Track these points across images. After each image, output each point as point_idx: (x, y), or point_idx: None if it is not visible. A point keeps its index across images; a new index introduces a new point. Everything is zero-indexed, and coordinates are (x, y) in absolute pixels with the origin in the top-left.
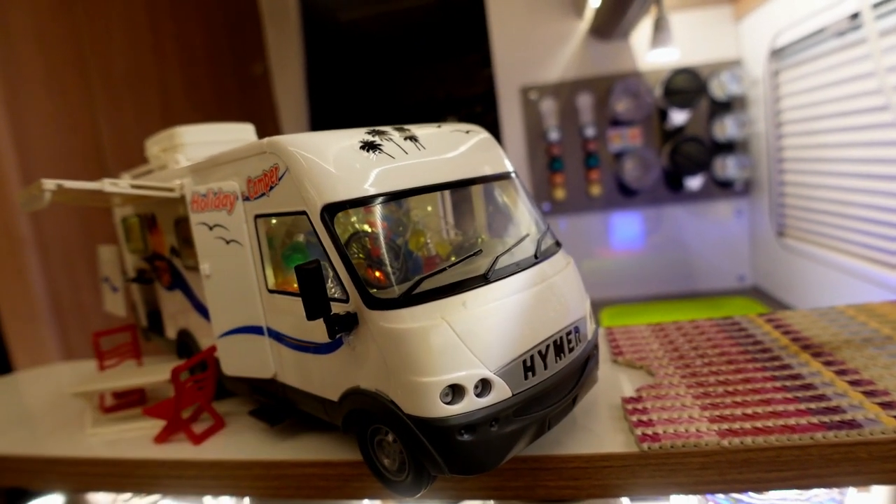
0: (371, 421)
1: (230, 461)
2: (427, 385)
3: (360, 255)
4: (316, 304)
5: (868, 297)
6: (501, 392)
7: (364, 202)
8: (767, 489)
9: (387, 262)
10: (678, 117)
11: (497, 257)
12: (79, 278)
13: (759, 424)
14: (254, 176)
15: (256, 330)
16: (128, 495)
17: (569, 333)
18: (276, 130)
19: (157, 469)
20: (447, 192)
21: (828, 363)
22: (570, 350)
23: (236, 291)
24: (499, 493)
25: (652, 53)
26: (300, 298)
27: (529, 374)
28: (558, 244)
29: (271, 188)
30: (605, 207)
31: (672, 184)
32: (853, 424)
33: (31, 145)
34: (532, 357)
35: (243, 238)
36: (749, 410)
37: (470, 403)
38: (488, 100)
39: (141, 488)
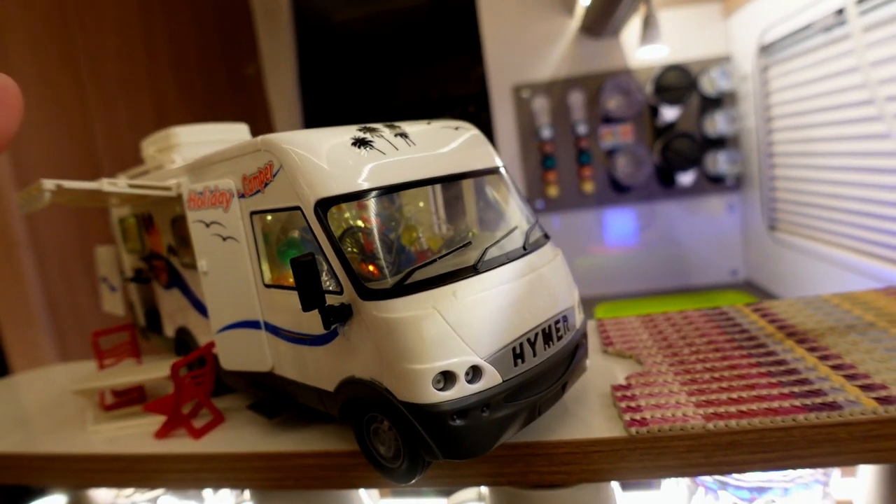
0: (366, 409)
1: (230, 454)
2: (419, 372)
3: (354, 250)
4: (311, 295)
5: (858, 287)
6: (492, 378)
7: (356, 196)
8: (752, 470)
9: (381, 255)
10: (669, 114)
11: (486, 248)
12: (75, 281)
13: (743, 408)
14: (249, 173)
15: (253, 324)
16: (129, 491)
17: (557, 322)
18: (269, 131)
19: (158, 463)
20: (438, 188)
21: (811, 349)
22: (559, 338)
23: (233, 287)
24: (492, 480)
25: (641, 50)
26: (296, 292)
27: (519, 361)
28: (546, 237)
29: (266, 185)
30: (598, 204)
31: (664, 180)
32: (834, 406)
33: (25, 148)
34: (521, 345)
35: (239, 234)
36: (734, 395)
37: (461, 389)
38: (482, 99)
39: (142, 483)
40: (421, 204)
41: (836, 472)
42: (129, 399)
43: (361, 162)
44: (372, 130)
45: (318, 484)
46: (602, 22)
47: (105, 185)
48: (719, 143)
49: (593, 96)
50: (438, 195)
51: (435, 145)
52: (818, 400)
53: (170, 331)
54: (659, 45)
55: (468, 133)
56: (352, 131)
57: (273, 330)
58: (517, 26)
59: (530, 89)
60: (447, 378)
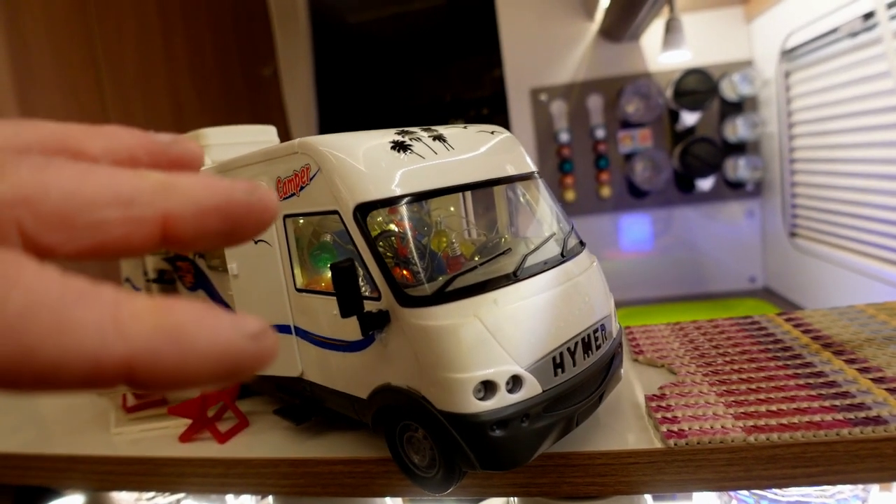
0: (401, 417)
1: (257, 459)
2: (460, 381)
3: (389, 255)
4: (350, 301)
5: (882, 296)
6: (532, 388)
7: (395, 201)
8: (793, 485)
9: (416, 261)
10: (689, 118)
11: (526, 255)
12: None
13: (784, 421)
14: (284, 176)
15: (284, 329)
16: (150, 494)
17: (596, 331)
18: (285, 132)
19: (182, 467)
20: (468, 193)
21: (850, 361)
22: (598, 347)
23: (264, 291)
24: (524, 490)
25: (664, 55)
26: (329, 297)
27: (559, 370)
28: (582, 243)
29: (302, 188)
30: (616, 209)
31: (682, 185)
32: (879, 421)
33: None
34: (561, 354)
35: (272, 238)
36: (773, 407)
37: (502, 399)
38: (496, 102)
39: (166, 487)
40: (451, 208)
41: (874, 488)
42: (151, 401)
43: (401, 166)
44: (410, 134)
45: (345, 491)
46: (622, 26)
47: None
48: (740, 148)
49: (612, 100)
50: (469, 200)
51: (472, 149)
52: (861, 414)
53: None
54: (682, 50)
55: (502, 136)
56: (390, 134)
57: (304, 335)
58: (536, 29)
59: (548, 93)
60: (487, 388)
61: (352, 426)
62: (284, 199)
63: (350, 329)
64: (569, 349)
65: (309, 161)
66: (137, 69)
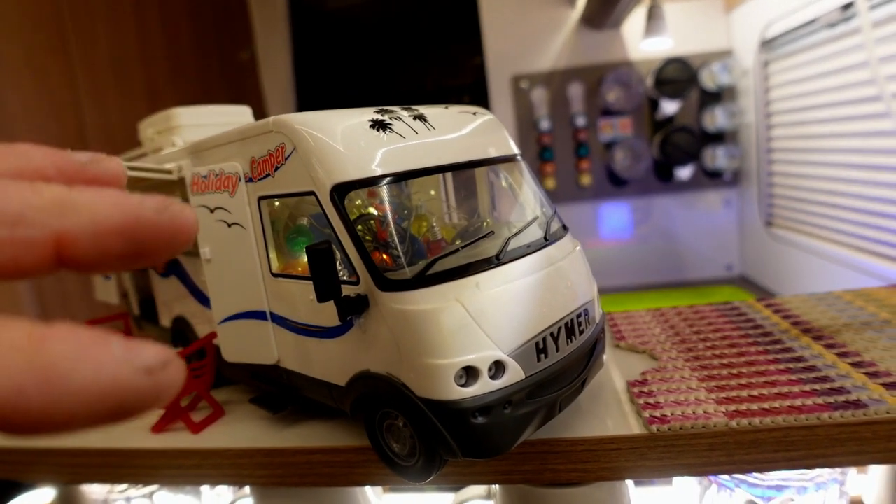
0: (380, 405)
1: (232, 449)
2: (441, 367)
3: (368, 238)
4: (327, 285)
5: (855, 284)
6: (515, 374)
7: (375, 181)
8: (774, 469)
9: (396, 244)
10: (669, 107)
11: (508, 238)
12: None
13: (765, 405)
14: (258, 156)
15: (259, 315)
16: (123, 486)
17: (579, 316)
18: (262, 117)
19: (156, 459)
20: (449, 175)
21: (829, 346)
22: (581, 333)
23: (238, 276)
24: (506, 478)
25: (645, 42)
26: (306, 282)
27: (542, 356)
28: (565, 228)
29: (277, 168)
30: (596, 197)
31: (662, 174)
32: (858, 405)
33: (14, 132)
34: (544, 339)
35: (246, 221)
36: (755, 392)
37: (484, 386)
38: (477, 90)
39: (139, 479)
40: (432, 192)
41: (852, 471)
42: None
43: (380, 145)
44: (389, 112)
45: (323, 481)
46: (603, 13)
47: None
48: (718, 137)
49: (593, 88)
50: (450, 183)
51: (454, 130)
52: (841, 398)
53: (166, 320)
54: (664, 38)
55: (485, 118)
56: (368, 113)
57: (280, 321)
58: (517, 16)
59: (529, 80)
60: (469, 374)
61: (330, 415)
62: (259, 179)
63: (328, 315)
64: (552, 334)
65: (284, 140)
66: (110, 52)
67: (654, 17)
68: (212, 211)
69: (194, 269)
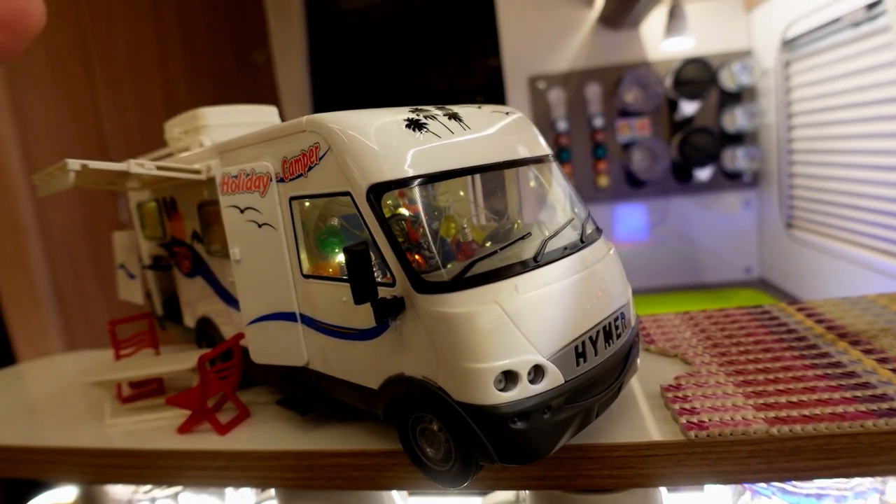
0: (414, 409)
1: (260, 451)
2: (480, 371)
3: (401, 239)
4: (364, 287)
5: (879, 287)
6: (554, 379)
7: (412, 182)
8: (815, 477)
9: (430, 245)
10: (688, 108)
11: (546, 240)
12: (81, 268)
13: (806, 412)
14: (290, 156)
15: (289, 316)
16: (147, 487)
17: (616, 319)
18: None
19: (182, 460)
20: (478, 176)
21: (867, 351)
22: (618, 336)
23: (268, 277)
24: (540, 483)
25: (666, 42)
26: (339, 283)
27: (581, 360)
28: (599, 230)
29: (310, 168)
30: (613, 198)
31: (680, 175)
32: None
33: (33, 132)
34: (583, 343)
35: (277, 221)
36: (794, 398)
37: (523, 390)
38: (490, 90)
39: (164, 480)
40: (461, 193)
41: (893, 479)
42: (147, 391)
43: (416, 145)
44: (424, 112)
45: (350, 484)
46: (622, 13)
47: (133, 166)
48: (738, 138)
49: (611, 89)
50: (478, 184)
51: (488, 129)
52: (884, 405)
53: (190, 321)
54: (685, 38)
55: (516, 116)
56: (404, 112)
57: (310, 323)
58: (534, 16)
59: (546, 81)
60: (508, 378)
61: (358, 417)
62: (291, 180)
63: (361, 317)
64: (590, 338)
65: (318, 139)
66: (128, 54)
67: (675, 16)
68: (242, 211)
69: (221, 269)
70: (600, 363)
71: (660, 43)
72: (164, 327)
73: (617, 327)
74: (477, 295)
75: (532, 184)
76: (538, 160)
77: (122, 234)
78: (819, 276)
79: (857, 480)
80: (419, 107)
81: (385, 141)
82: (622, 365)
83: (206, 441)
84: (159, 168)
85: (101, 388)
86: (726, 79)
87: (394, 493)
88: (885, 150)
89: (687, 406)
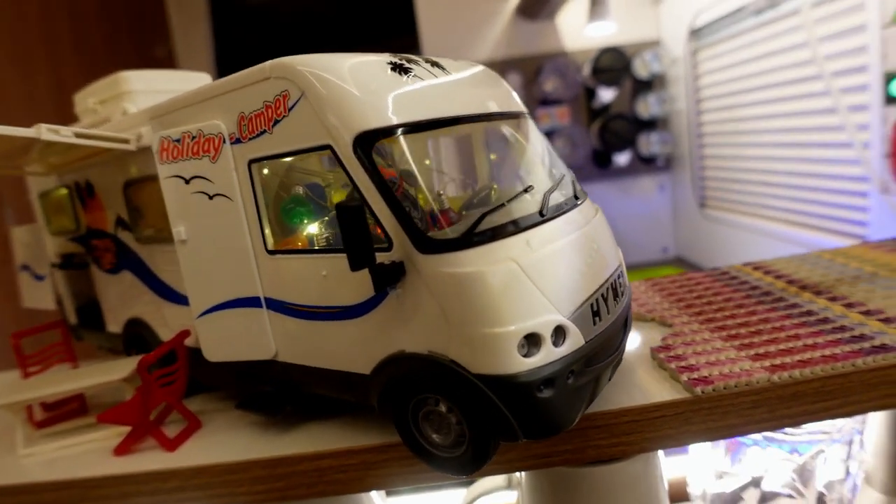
0: (418, 391)
1: (220, 464)
2: (502, 336)
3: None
4: (361, 250)
5: (785, 254)
6: (576, 340)
7: (404, 128)
8: (812, 421)
9: (430, 199)
10: (605, 95)
11: (548, 193)
12: None
13: (798, 358)
14: (249, 111)
15: (251, 302)
16: None
17: (619, 277)
18: None
19: (124, 486)
20: (447, 141)
21: (831, 299)
22: (622, 295)
23: (224, 258)
24: (544, 461)
25: (590, 27)
26: (315, 256)
27: (597, 318)
28: (584, 191)
29: (276, 123)
30: None
31: (600, 161)
32: (887, 348)
33: None
34: (597, 300)
35: (233, 191)
36: (782, 346)
37: (548, 354)
38: None
39: None
40: (427, 161)
41: (870, 419)
42: (65, 412)
43: (404, 88)
44: (406, 57)
45: (334, 489)
46: (539, 3)
47: (44, 132)
48: (651, 124)
49: (531, 78)
50: (446, 150)
51: (466, 72)
52: (866, 344)
53: (115, 325)
54: (607, 22)
55: (487, 72)
56: (385, 56)
57: (278, 307)
58: (453, 7)
59: None
60: (531, 342)
61: (336, 413)
62: (251, 139)
63: (346, 291)
64: (602, 295)
65: (287, 87)
66: (10, 49)
67: (597, 1)
68: (188, 181)
69: (154, 259)
70: (612, 322)
71: (577, 33)
72: (81, 337)
73: (620, 285)
74: (489, 252)
75: (510, 142)
76: (516, 115)
77: (22, 230)
78: (731, 249)
79: (842, 423)
80: (399, 53)
81: (370, 85)
82: (624, 326)
83: (151, 460)
84: (78, 136)
85: (8, 412)
86: (639, 67)
87: (372, 493)
88: (789, 127)
89: (684, 364)
